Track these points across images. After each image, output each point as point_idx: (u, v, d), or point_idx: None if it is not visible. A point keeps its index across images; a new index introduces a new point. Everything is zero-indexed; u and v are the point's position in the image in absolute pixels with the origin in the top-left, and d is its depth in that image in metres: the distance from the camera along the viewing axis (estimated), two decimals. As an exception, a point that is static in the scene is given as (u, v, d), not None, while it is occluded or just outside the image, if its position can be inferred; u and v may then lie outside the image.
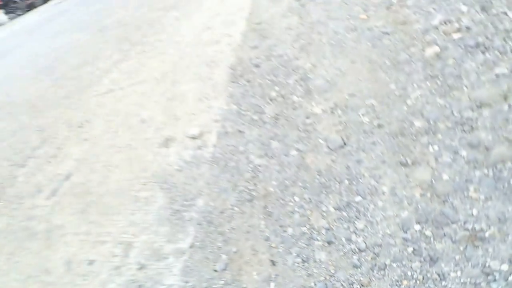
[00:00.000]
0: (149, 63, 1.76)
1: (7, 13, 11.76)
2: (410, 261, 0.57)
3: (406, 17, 1.10)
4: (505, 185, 0.60)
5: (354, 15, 1.26)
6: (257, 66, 1.22)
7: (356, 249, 0.61)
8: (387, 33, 1.06)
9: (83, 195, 0.95)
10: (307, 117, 0.88)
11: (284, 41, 1.32)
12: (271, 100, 1.01)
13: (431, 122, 0.73)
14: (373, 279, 0.58)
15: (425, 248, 0.58)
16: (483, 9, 0.95)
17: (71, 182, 1.05)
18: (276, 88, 1.05)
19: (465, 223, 0.58)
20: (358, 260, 0.60)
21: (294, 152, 0.79)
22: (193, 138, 0.97)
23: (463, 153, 0.65)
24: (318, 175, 0.72)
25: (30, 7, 12.42)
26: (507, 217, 0.56)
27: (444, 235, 0.58)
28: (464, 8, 1.00)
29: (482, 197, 0.59)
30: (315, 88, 0.97)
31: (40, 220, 0.95)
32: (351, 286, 0.57)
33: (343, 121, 0.82)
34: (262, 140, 0.88)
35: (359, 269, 0.59)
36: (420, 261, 0.57)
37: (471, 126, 0.68)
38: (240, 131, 0.94)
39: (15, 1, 11.90)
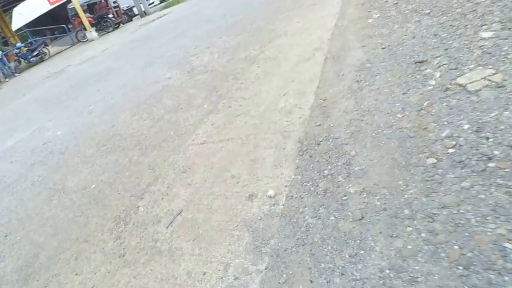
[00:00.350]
0: (235, 121, 2.48)
1: (97, 30, 14.22)
2: None
3: (427, 124, 1.63)
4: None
5: (394, 111, 1.82)
6: (318, 144, 1.84)
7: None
8: (410, 136, 1.60)
9: (193, 228, 1.63)
10: (345, 195, 1.46)
11: (341, 124, 1.92)
12: (324, 176, 1.61)
13: (413, 210, 1.26)
14: None
15: None
16: (477, 130, 1.46)
17: (183, 217, 1.74)
18: (329, 166, 1.65)
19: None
20: None
21: (332, 218, 1.38)
22: (270, 197, 1.61)
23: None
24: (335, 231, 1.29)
25: (118, 24, 14.82)
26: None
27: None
28: (465, 127, 1.51)
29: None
30: (353, 172, 1.55)
31: (163, 242, 1.65)
32: None
33: (365, 201, 1.39)
34: (314, 206, 1.48)
35: None
36: None
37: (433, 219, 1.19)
38: (301, 197, 1.55)
39: (106, 20, 14.35)
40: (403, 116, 1.76)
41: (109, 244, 1.77)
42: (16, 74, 12.42)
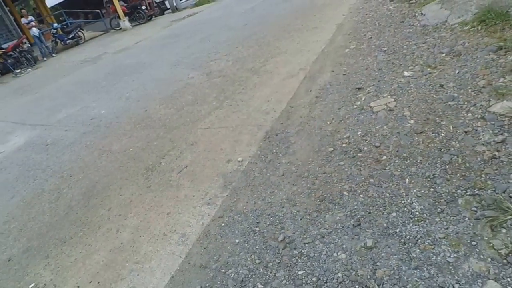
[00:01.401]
0: (232, 115, 3.67)
1: (130, 20, 15.68)
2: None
3: (339, 129, 2.78)
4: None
5: (326, 119, 2.98)
6: (276, 135, 3.00)
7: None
8: (327, 135, 2.76)
9: (192, 175, 2.82)
10: (279, 163, 2.63)
11: (294, 123, 3.09)
12: (272, 153, 2.78)
13: (309, 172, 2.41)
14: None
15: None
16: (363, 135, 2.61)
17: (187, 169, 2.94)
18: (276, 148, 2.82)
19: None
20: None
21: (268, 174, 2.56)
22: (239, 161, 2.79)
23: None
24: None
25: (151, 17, 16.24)
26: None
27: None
28: (359, 132, 2.65)
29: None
30: (288, 152, 2.72)
31: (173, 181, 2.84)
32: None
33: (288, 167, 2.56)
34: (261, 168, 2.65)
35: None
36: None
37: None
38: (255, 163, 2.72)
39: (139, 12, 15.81)
40: (330, 123, 2.91)
41: (141, 181, 3.01)
42: (54, 55, 13.88)
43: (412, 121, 2.51)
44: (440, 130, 2.30)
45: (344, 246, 1.77)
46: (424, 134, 2.34)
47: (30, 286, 2.31)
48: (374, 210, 1.91)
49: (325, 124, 2.91)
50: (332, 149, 2.57)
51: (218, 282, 1.84)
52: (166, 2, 18.36)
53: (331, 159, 2.45)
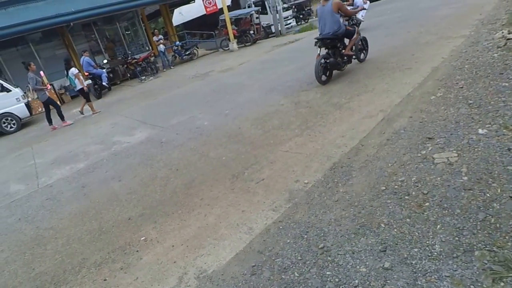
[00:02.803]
0: (308, 144, 4.30)
1: (238, 42, 17.38)
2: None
3: (398, 173, 3.22)
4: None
5: (390, 162, 3.44)
6: (341, 167, 3.56)
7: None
8: (384, 176, 3.22)
9: (266, 187, 3.54)
10: (336, 191, 3.18)
11: (359, 160, 3.60)
12: (333, 182, 3.34)
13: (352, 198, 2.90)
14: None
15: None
16: (418, 181, 3.02)
17: (263, 181, 3.66)
18: (338, 178, 3.37)
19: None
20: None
21: (325, 198, 3.13)
22: (305, 183, 3.42)
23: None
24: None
25: (256, 40, 17.77)
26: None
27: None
28: (413, 178, 3.07)
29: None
30: (348, 183, 3.25)
31: (251, 188, 3.60)
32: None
33: (342, 196, 3.09)
34: (321, 191, 3.23)
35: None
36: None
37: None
38: (317, 186, 3.31)
39: (247, 35, 17.45)
40: (391, 165, 3.35)
41: (227, 184, 3.84)
42: (172, 67, 16.25)
43: (465, 178, 2.68)
44: (488, 190, 2.46)
45: (367, 263, 2.27)
46: (471, 191, 2.51)
47: (142, 238, 3.26)
48: (401, 243, 2.35)
49: (386, 166, 3.34)
50: (384, 188, 3.02)
51: (268, 265, 2.49)
52: (272, 27, 19.82)
53: (381, 196, 2.91)
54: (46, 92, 9.49)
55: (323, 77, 6.53)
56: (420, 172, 3.06)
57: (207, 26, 21.73)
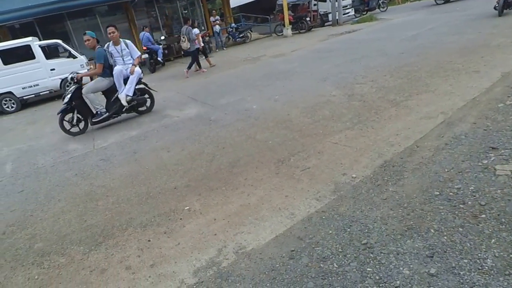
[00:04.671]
0: (359, 138, 4.15)
1: (292, 28, 17.13)
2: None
3: (454, 182, 3.04)
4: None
5: (447, 167, 3.25)
6: (393, 166, 3.42)
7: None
8: (441, 181, 3.05)
9: (312, 175, 3.49)
10: (385, 189, 3.07)
11: (413, 161, 3.44)
12: (382, 179, 3.22)
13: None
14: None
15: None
16: (473, 191, 2.83)
17: (309, 170, 3.62)
18: (388, 177, 3.25)
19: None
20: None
21: (370, 191, 3.03)
22: (353, 177, 3.33)
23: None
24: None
25: (311, 27, 17.40)
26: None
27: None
28: (471, 188, 2.88)
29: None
30: (397, 183, 3.12)
31: (296, 175, 3.56)
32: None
33: (391, 195, 2.98)
34: (368, 187, 3.14)
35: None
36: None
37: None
38: (365, 182, 3.22)
39: (303, 22, 17.16)
40: (447, 171, 3.15)
41: (272, 168, 3.84)
42: (224, 48, 16.44)
43: (529, 194, 2.56)
44: (552, 210, 2.34)
45: (411, 266, 2.17)
46: (534, 208, 2.40)
47: (186, 207, 3.37)
48: (450, 251, 2.22)
49: (442, 171, 3.15)
50: (438, 193, 2.86)
51: (307, 252, 2.46)
52: (329, 15, 19.30)
53: (433, 201, 2.76)
54: (196, 45, 11.14)
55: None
56: (479, 182, 2.87)
57: (263, 10, 21.68)
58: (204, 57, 11.92)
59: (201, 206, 3.37)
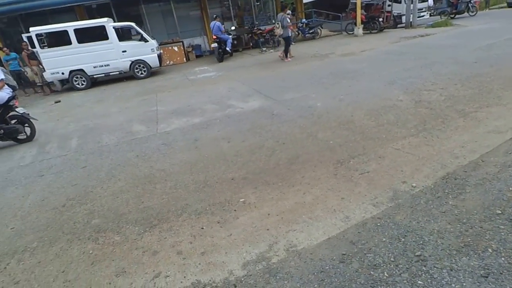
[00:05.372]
0: (422, 147, 4.01)
1: (364, 28, 16.56)
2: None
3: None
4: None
5: (507, 185, 3.08)
6: (455, 179, 3.31)
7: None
8: (499, 187, 2.91)
9: (369, 179, 3.50)
10: (445, 202, 2.99)
11: (476, 176, 3.29)
12: (443, 192, 3.14)
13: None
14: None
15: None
16: None
17: (367, 174, 3.62)
18: (448, 190, 3.15)
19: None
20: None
21: (430, 203, 2.98)
22: (412, 186, 3.30)
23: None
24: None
25: (383, 28, 16.65)
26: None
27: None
28: None
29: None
30: (458, 196, 3.03)
31: (354, 177, 3.58)
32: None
33: (451, 208, 2.90)
34: (426, 198, 3.08)
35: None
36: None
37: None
38: (425, 192, 3.16)
39: (375, 22, 16.51)
40: (507, 191, 3.01)
41: (330, 168, 3.89)
42: (293, 43, 16.28)
43: None
44: None
45: (464, 284, 2.12)
46: None
47: (241, 199, 3.50)
48: (507, 274, 2.14)
49: (507, 189, 3.00)
50: (500, 212, 2.74)
51: (358, 257, 2.50)
52: (403, 17, 18.39)
53: (494, 220, 2.66)
54: (289, 31, 11.49)
55: None
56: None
57: (335, 8, 21.22)
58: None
59: (256, 199, 3.46)
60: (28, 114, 6.29)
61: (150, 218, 3.29)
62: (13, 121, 6.21)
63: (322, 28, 18.33)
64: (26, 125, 6.33)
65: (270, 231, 2.93)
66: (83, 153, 5.40)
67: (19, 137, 6.21)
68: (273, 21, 18.80)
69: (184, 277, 2.50)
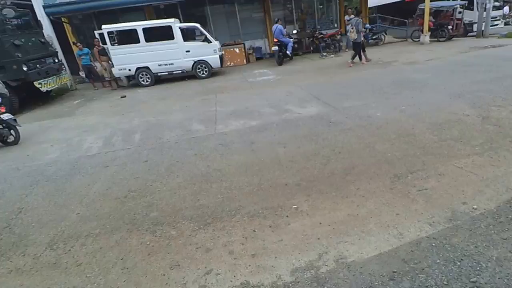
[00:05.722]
0: (487, 167, 3.79)
1: (431, 36, 15.66)
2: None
3: None
4: None
5: None
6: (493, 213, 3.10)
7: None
8: None
9: (427, 196, 3.39)
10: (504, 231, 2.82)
11: None
12: (498, 221, 2.96)
13: None
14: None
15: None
16: None
17: (426, 192, 3.52)
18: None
19: None
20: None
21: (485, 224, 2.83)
22: (473, 208, 3.15)
23: None
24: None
25: (452, 37, 15.63)
26: None
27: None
28: None
29: None
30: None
31: (415, 194, 3.51)
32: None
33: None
34: (486, 225, 2.92)
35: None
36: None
37: None
38: (486, 216, 2.99)
39: (443, 30, 15.56)
40: None
41: (387, 182, 3.81)
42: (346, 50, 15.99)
43: None
44: None
45: None
46: None
47: (294, 206, 3.56)
48: None
49: None
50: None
51: (409, 276, 2.46)
52: (474, 25, 17.12)
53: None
54: (361, 36, 11.42)
55: None
56: None
57: (401, 13, 20.32)
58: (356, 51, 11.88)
59: (309, 207, 3.45)
60: (15, 120, 6.73)
61: (205, 216, 3.42)
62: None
63: (386, 34, 17.67)
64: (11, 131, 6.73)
65: (321, 241, 2.96)
66: (145, 148, 5.65)
67: (8, 140, 6.64)
68: (336, 26, 18.55)
69: (234, 276, 2.57)
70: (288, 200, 3.66)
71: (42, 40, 11.68)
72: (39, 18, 12.87)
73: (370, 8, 23.47)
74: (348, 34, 11.94)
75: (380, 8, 23.93)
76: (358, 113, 6.38)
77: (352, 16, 15.03)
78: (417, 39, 16.17)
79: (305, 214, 3.39)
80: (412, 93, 7.29)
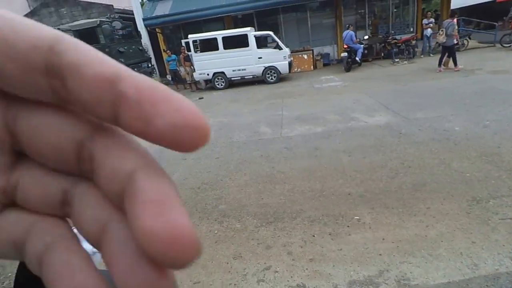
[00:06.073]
0: None
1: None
2: None
3: None
4: None
5: None
6: None
7: None
8: None
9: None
10: None
11: None
12: None
13: None
14: None
15: None
16: None
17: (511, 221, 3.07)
18: None
19: None
20: None
21: None
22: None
23: None
24: None
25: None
26: None
27: None
28: None
29: None
30: None
31: (496, 226, 3.09)
32: None
33: None
34: None
35: None
36: None
37: None
38: None
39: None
40: None
41: (463, 204, 3.39)
42: (431, 54, 14.70)
43: None
44: None
45: None
46: None
47: (356, 217, 3.40)
48: None
49: None
50: None
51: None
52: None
53: None
54: (454, 39, 10.59)
55: None
56: None
57: (488, 15, 18.35)
58: (447, 56, 10.97)
59: (371, 220, 3.34)
60: None
61: (267, 215, 3.55)
62: None
63: (470, 38, 16.08)
64: None
65: (383, 257, 2.80)
66: (217, 146, 6.05)
67: None
68: (411, 30, 17.42)
69: (291, 277, 2.64)
70: (350, 210, 3.54)
71: (140, 47, 14.24)
72: (139, 29, 15.29)
73: (452, 10, 21.69)
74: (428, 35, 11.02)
75: (463, 10, 21.85)
76: (432, 125, 5.84)
77: (431, 19, 14.02)
78: (508, 45, 14.39)
79: (367, 226, 3.23)
80: (500, 106, 6.43)
